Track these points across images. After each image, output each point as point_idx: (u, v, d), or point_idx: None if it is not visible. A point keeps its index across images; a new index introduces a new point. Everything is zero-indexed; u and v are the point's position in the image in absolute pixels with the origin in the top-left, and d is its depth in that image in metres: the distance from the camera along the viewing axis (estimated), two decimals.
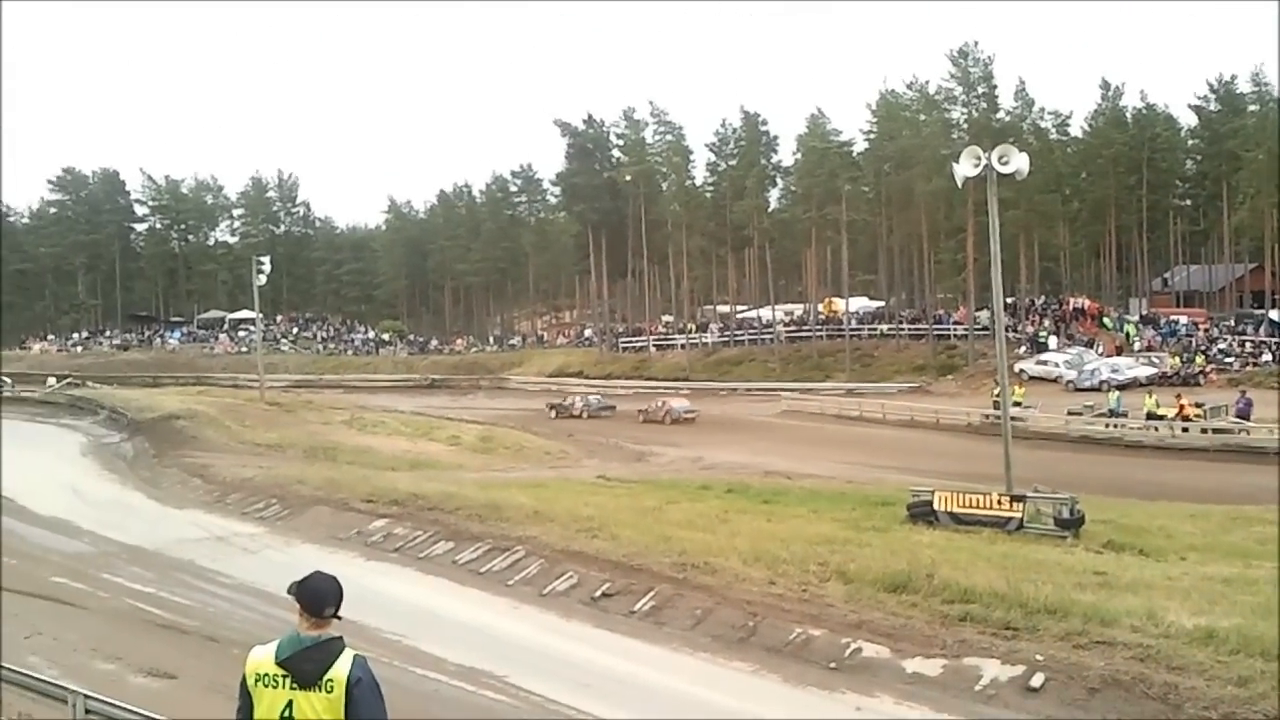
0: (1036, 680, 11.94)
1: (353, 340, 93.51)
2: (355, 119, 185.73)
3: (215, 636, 15.12)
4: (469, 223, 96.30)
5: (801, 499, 26.97)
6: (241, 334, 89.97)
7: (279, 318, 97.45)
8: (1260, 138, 61.07)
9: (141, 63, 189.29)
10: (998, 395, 32.06)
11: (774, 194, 77.98)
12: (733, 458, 37.95)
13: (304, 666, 4.40)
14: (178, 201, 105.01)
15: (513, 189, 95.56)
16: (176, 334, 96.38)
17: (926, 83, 67.44)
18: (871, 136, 70.64)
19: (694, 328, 76.50)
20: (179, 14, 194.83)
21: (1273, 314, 57.45)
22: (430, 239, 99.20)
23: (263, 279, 52.32)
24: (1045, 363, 54.21)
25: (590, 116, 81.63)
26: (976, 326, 59.93)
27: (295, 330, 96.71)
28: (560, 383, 69.59)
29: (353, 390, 71.59)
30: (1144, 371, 49.68)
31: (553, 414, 55.66)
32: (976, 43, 64.32)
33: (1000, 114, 64.92)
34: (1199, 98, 71.62)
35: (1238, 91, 69.30)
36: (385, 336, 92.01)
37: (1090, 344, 57.64)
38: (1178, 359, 51.32)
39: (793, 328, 72.04)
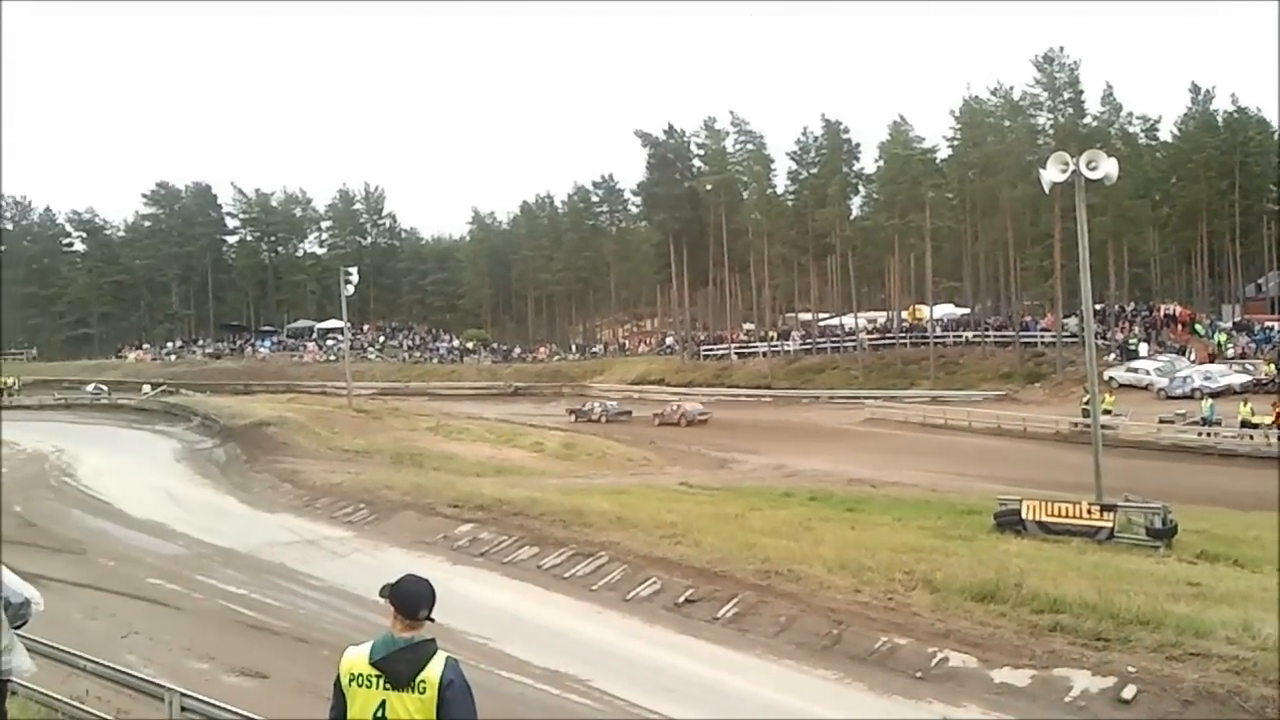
0: (1128, 692, 11.69)
1: (438, 349, 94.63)
2: (440, 132, 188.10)
3: (305, 638, 15.38)
4: (551, 233, 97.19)
5: (886, 507, 26.79)
6: (330, 343, 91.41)
7: (366, 327, 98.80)
8: None
9: (233, 78, 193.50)
10: (1087, 403, 31.55)
11: (856, 201, 77.30)
12: (815, 465, 37.78)
13: (397, 667, 4.42)
14: (268, 214, 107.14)
15: (594, 199, 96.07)
16: (267, 343, 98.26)
17: (1011, 88, 66.53)
18: (955, 143, 69.75)
19: (775, 335, 76.15)
20: (269, 29, 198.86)
21: None
22: (513, 249, 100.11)
23: (350, 289, 53.09)
24: (1135, 370, 53.10)
25: (671, 127, 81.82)
26: (1064, 333, 58.92)
27: (382, 339, 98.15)
28: (642, 390, 69.77)
29: (438, 398, 72.34)
30: (1238, 379, 48.46)
31: (572, 418, 56.00)
32: (1062, 48, 63.35)
33: (1087, 119, 63.87)
34: None
35: None
36: (469, 345, 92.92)
37: (1182, 351, 56.32)
38: (1273, 366, 49.90)
39: (876, 335, 71.39)
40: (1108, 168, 22.13)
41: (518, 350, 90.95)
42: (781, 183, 79.44)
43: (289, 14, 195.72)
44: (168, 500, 28.84)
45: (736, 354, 75.35)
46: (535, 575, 18.86)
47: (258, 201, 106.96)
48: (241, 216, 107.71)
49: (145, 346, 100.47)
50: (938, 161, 71.26)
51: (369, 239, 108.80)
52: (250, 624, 16.44)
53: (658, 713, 12.23)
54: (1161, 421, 40.25)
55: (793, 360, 71.84)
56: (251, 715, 8.58)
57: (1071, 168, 22.10)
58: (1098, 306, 53.65)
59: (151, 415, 51.81)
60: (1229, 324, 60.65)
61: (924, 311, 69.93)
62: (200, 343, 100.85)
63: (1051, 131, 62.50)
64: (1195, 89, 70.06)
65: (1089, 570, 16.90)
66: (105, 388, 69.69)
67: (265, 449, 37.13)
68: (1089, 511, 21.42)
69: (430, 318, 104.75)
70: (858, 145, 74.58)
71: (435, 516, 23.59)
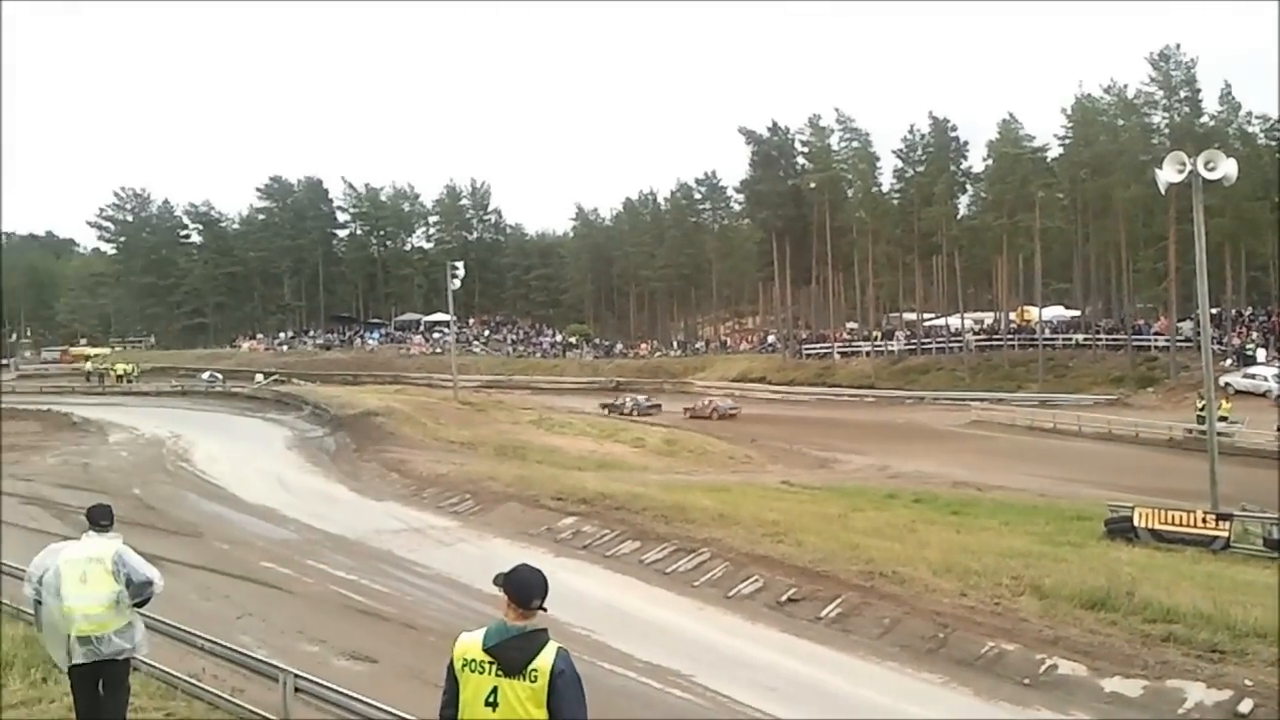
0: (1245, 706, 11.34)
1: (541, 343, 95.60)
2: (545, 128, 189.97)
3: (413, 624, 15.61)
4: (654, 229, 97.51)
5: (992, 511, 26.38)
6: (436, 336, 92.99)
7: (471, 321, 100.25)
8: None
9: (347, 75, 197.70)
10: (1202, 409, 30.69)
11: (963, 200, 76.46)
12: (919, 467, 37.32)
13: (510, 655, 4.52)
14: (377, 209, 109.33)
15: (697, 196, 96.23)
16: (375, 335, 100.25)
17: (1125, 87, 65.26)
18: (1067, 142, 68.37)
19: (879, 335, 75.37)
20: (382, 26, 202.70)
21: None
22: (616, 245, 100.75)
23: (456, 283, 53.86)
24: (1253, 376, 51.59)
25: (775, 124, 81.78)
26: (1178, 338, 57.45)
27: (486, 333, 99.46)
28: (743, 388, 69.64)
29: (540, 391, 73.21)
30: None
31: (606, 412, 56.04)
32: (1178, 45, 61.83)
33: (1204, 118, 62.31)
34: None
35: None
36: (572, 340, 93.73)
37: None
38: None
39: (983, 336, 70.26)
40: (1227, 168, 21.47)
41: (619, 346, 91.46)
42: (887, 181, 78.96)
43: (402, 10, 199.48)
44: (279, 486, 29.43)
45: (839, 353, 74.78)
46: (637, 570, 18.88)
47: (367, 196, 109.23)
48: (351, 211, 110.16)
49: (258, 336, 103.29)
50: (1048, 160, 70.05)
51: (475, 234, 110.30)
52: (360, 609, 16.68)
53: (760, 710, 12.17)
54: None
55: (896, 360, 71.09)
56: (364, 698, 8.71)
57: (1189, 168, 21.50)
58: (1214, 311, 52.16)
59: (263, 404, 53.15)
60: None
61: (1033, 313, 68.63)
62: (311, 334, 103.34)
63: (1167, 131, 61.29)
64: None
65: (1203, 580, 16.47)
66: (219, 376, 71.64)
67: (373, 438, 37.68)
68: (1204, 520, 20.88)
69: (534, 312, 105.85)
70: (966, 143, 73.93)
71: (539, 509, 23.73)
